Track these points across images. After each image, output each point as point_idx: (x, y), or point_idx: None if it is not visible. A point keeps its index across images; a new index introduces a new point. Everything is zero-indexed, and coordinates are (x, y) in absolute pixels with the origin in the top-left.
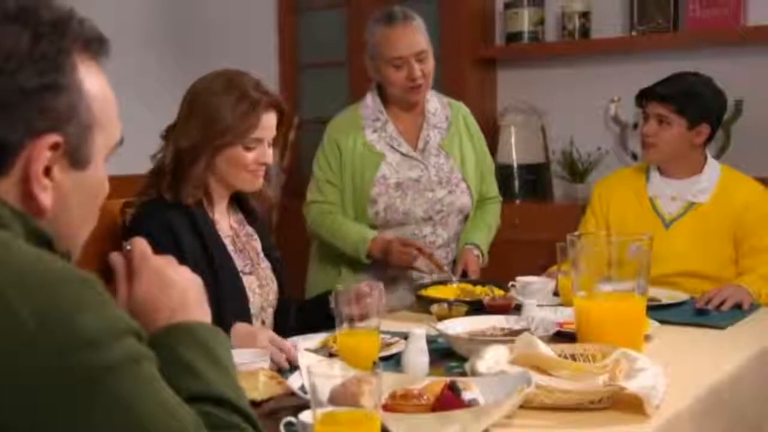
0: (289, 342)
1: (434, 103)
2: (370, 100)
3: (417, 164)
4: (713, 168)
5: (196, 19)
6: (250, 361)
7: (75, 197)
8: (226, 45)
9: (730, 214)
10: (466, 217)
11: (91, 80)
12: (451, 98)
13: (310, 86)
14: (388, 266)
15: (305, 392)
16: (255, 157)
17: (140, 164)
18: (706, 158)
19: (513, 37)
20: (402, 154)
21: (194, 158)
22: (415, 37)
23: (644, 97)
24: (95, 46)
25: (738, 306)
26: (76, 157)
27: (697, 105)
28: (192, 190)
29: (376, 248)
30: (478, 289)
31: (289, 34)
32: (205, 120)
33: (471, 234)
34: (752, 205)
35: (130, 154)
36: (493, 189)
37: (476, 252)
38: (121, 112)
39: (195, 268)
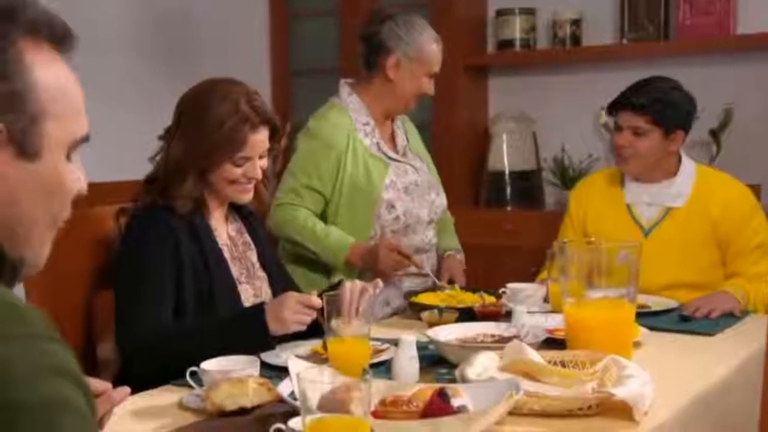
0: (278, 348)
1: None
2: (354, 102)
3: (407, 167)
4: (688, 169)
5: (189, 27)
6: (241, 367)
7: (24, 190)
8: (219, 52)
9: (709, 217)
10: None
11: (44, 69)
12: None
13: (302, 92)
14: (373, 272)
15: (295, 399)
16: (243, 172)
17: (130, 170)
18: (680, 159)
19: (504, 45)
20: (394, 159)
21: (183, 173)
22: None
23: (616, 107)
24: (46, 32)
25: (726, 314)
26: (23, 147)
27: (671, 113)
28: (182, 201)
29: (355, 255)
30: (469, 295)
31: (282, 40)
32: (194, 137)
33: (447, 240)
34: (730, 205)
35: (123, 160)
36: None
37: (459, 257)
38: (114, 121)
39: (193, 271)
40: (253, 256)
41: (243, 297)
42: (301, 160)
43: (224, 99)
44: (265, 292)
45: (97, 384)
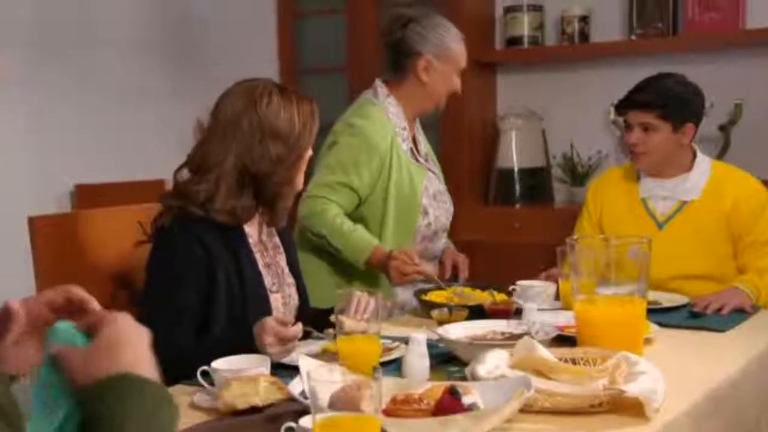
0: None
1: None
2: (393, 104)
3: (431, 174)
4: (703, 164)
5: (197, 27)
6: (252, 366)
7: None
8: (227, 51)
9: (722, 211)
10: None
11: None
12: None
13: (309, 91)
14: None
15: (306, 397)
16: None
17: (136, 169)
18: (695, 154)
19: (513, 42)
20: (424, 165)
21: (282, 175)
22: None
23: (624, 106)
24: None
25: (737, 310)
26: None
27: (678, 107)
28: (252, 209)
29: (375, 258)
30: (479, 293)
31: (289, 39)
32: (286, 137)
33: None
34: (744, 200)
35: (133, 159)
36: None
37: (452, 246)
38: (121, 120)
39: (227, 284)
40: (282, 260)
41: (273, 306)
42: (342, 156)
43: (287, 96)
44: (294, 299)
45: None
